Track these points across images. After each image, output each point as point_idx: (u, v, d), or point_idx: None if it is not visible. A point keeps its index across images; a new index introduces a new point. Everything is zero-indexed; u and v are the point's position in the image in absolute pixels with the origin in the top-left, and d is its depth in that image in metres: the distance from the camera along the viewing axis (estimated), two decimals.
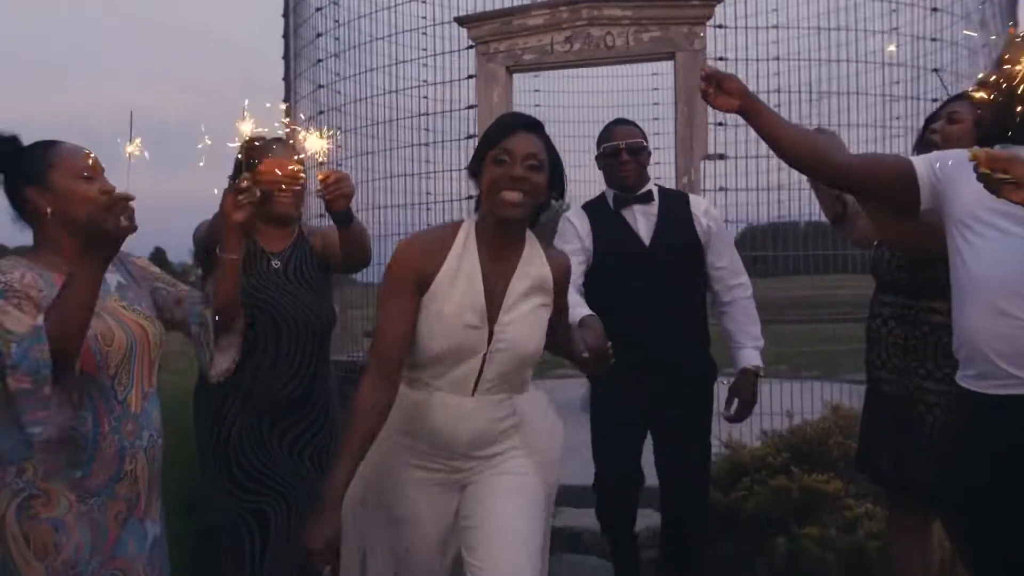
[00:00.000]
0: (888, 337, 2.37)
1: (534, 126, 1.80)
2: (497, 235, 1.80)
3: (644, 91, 7.19)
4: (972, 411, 1.75)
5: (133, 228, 1.60)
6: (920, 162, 1.84)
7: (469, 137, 4.87)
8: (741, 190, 4.67)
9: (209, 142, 1.87)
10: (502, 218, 1.75)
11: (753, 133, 1.93)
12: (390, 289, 1.77)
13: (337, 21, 5.60)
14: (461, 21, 4.97)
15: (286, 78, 6.32)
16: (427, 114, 5.23)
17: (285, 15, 6.30)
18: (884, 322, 2.39)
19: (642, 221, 2.78)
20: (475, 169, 1.81)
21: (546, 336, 1.86)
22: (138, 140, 1.66)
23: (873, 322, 2.44)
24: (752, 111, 1.87)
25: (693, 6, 4.56)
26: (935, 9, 5.04)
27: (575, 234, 2.77)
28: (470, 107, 4.92)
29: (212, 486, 2.29)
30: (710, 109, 4.15)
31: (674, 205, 2.82)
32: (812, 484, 3.18)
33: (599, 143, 2.87)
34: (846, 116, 4.82)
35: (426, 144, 5.20)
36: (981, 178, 1.48)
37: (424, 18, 5.35)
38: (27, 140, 1.83)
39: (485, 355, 1.78)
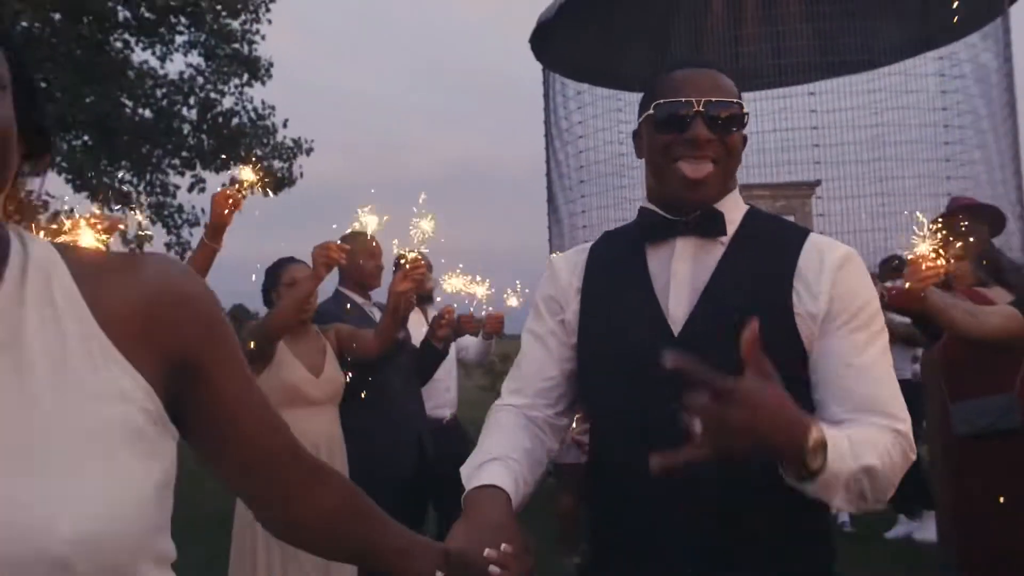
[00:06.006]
0: None
1: None
2: None
3: None
4: None
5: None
6: None
7: None
8: None
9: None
10: None
11: None
12: None
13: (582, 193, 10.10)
14: None
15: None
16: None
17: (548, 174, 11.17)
18: None
19: (683, 273, 1.23)
20: None
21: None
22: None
23: None
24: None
25: (803, 188, 8.74)
26: None
27: (549, 289, 1.35)
28: None
29: None
30: None
31: (764, 247, 1.25)
32: None
33: (644, 102, 1.29)
34: None
35: None
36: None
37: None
38: None
39: None
